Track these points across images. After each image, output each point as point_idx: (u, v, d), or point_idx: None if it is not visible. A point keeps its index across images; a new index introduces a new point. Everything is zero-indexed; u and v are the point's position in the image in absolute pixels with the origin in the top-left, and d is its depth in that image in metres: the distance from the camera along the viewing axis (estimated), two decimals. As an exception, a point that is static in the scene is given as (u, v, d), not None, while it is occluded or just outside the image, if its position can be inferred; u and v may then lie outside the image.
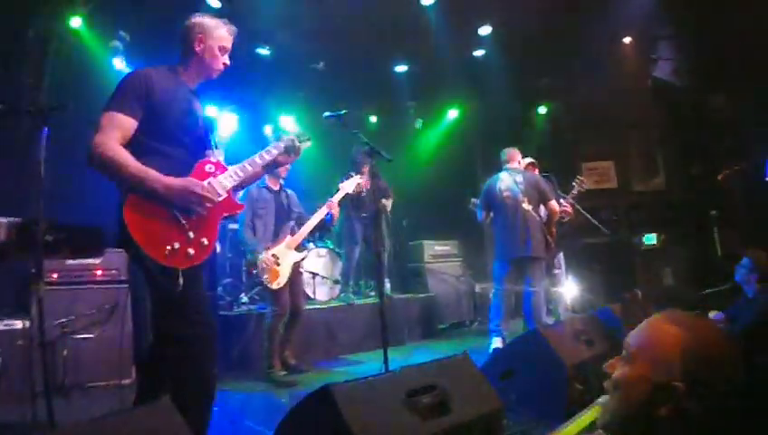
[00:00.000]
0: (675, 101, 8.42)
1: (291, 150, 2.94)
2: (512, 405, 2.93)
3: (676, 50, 8.06)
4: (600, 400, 2.72)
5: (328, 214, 5.13)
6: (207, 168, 2.64)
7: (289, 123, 8.63)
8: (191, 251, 2.45)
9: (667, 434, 1.24)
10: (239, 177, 2.71)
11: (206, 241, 2.52)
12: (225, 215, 2.68)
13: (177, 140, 2.60)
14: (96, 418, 1.65)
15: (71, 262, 4.77)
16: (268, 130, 8.59)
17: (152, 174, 2.38)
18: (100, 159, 2.35)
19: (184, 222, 2.45)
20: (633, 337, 1.37)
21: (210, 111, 7.94)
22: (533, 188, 5.76)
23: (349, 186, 5.26)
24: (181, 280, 2.38)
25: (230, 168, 2.72)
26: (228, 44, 2.78)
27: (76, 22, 5.90)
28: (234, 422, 3.77)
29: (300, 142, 2.97)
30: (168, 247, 2.39)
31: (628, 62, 8.25)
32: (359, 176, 5.40)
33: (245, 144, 7.79)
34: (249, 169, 2.77)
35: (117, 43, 6.22)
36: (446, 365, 2.48)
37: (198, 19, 2.75)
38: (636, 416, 1.29)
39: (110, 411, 1.83)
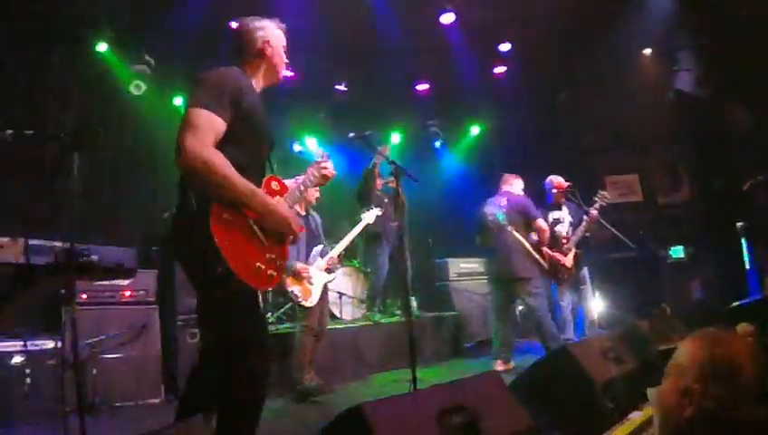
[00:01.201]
0: (697, 112, 8.31)
1: (328, 177, 2.79)
2: (542, 424, 2.89)
3: (696, 60, 7.97)
4: (631, 415, 2.72)
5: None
6: (273, 185, 2.50)
7: (312, 144, 8.73)
8: (273, 273, 2.32)
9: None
10: (296, 198, 2.60)
11: (281, 263, 2.41)
12: None
13: (255, 152, 2.40)
14: None
15: (99, 282, 4.86)
16: (297, 147, 8.70)
17: (257, 190, 2.24)
18: (197, 163, 2.08)
19: (266, 242, 2.30)
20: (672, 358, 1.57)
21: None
22: (516, 211, 5.84)
23: (370, 217, 5.42)
24: (261, 301, 2.35)
25: (289, 186, 2.60)
26: (285, 44, 2.61)
27: (102, 46, 6.05)
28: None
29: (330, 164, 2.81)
30: (255, 268, 2.23)
31: (648, 73, 8.19)
32: (378, 209, 5.49)
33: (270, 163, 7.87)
34: (303, 189, 2.65)
35: (143, 67, 6.35)
36: (476, 384, 2.46)
37: (257, 21, 2.55)
38: (672, 423, 1.48)
39: (144, 431, 1.85)
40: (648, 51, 8.07)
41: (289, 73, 7.24)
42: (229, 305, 2.21)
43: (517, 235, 5.71)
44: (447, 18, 6.84)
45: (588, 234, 6.26)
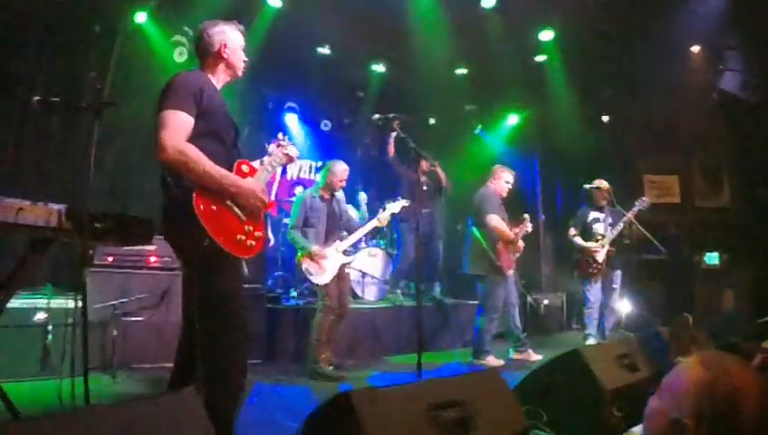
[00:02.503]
0: (741, 115, 7.95)
1: (291, 157, 3.10)
2: (543, 426, 2.83)
3: (744, 61, 7.59)
4: (634, 429, 2.60)
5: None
6: (243, 168, 2.81)
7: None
8: (252, 243, 2.68)
9: None
10: (265, 178, 2.92)
11: (259, 234, 2.75)
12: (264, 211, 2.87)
13: (221, 141, 2.73)
14: (122, 401, 1.70)
15: (127, 248, 4.98)
16: (324, 126, 8.74)
17: (227, 173, 2.59)
18: (176, 156, 2.46)
19: (243, 217, 2.65)
20: (668, 374, 1.44)
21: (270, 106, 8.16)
22: (473, 205, 5.93)
23: (395, 207, 5.42)
24: (246, 270, 2.52)
25: (258, 168, 2.91)
26: (243, 44, 2.92)
27: (141, 17, 6.11)
28: (265, 415, 3.82)
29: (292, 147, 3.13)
30: (236, 239, 2.60)
31: (695, 72, 7.86)
32: (405, 200, 5.47)
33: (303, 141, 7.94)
34: (270, 170, 2.96)
35: (181, 38, 6.40)
36: (475, 380, 2.42)
37: (217, 26, 2.83)
38: None
39: (137, 397, 1.89)
40: (696, 48, 7.72)
41: (326, 51, 7.41)
42: (218, 270, 2.56)
43: (475, 231, 5.85)
44: (488, 2, 6.70)
45: (626, 236, 6.25)
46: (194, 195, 2.47)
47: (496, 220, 5.74)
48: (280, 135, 3.16)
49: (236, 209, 2.63)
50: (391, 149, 6.96)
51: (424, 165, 6.81)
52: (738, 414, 1.21)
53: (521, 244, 5.90)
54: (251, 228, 2.68)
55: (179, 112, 2.53)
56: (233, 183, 2.59)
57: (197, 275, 2.57)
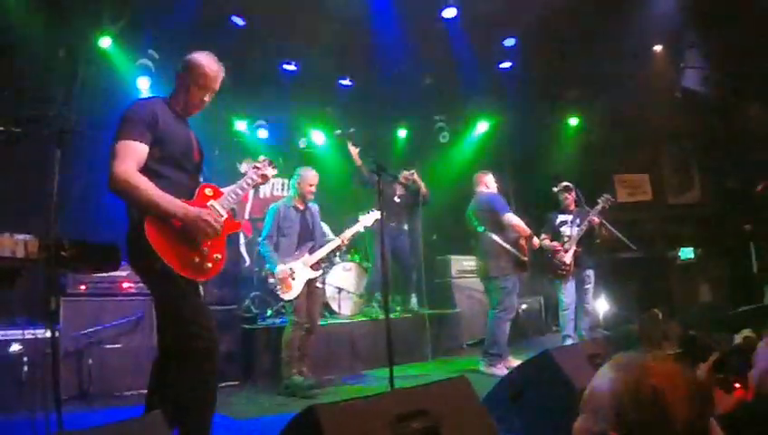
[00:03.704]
0: (706, 111, 8.14)
1: (265, 176, 3.19)
2: (515, 431, 2.86)
3: (704, 58, 7.79)
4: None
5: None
6: (207, 191, 2.87)
7: (319, 138, 8.74)
8: (209, 265, 2.71)
9: None
10: (233, 199, 2.94)
11: (219, 256, 2.78)
12: (228, 233, 2.91)
13: (180, 166, 2.79)
14: (92, 428, 1.72)
15: (98, 274, 4.95)
16: (302, 143, 8.73)
17: (173, 200, 2.61)
18: (123, 185, 2.54)
19: (197, 240, 2.67)
20: (588, 387, 1.27)
21: (240, 126, 8.16)
22: (482, 210, 5.88)
23: (368, 220, 5.46)
24: (202, 291, 2.65)
25: (225, 191, 2.95)
26: (217, 88, 2.95)
27: (106, 42, 6.09)
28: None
29: (271, 168, 3.22)
30: (190, 261, 2.63)
31: (658, 71, 8.03)
32: (377, 212, 5.45)
33: (276, 158, 7.90)
34: (240, 192, 2.99)
35: (146, 62, 6.40)
36: (442, 389, 2.43)
37: (204, 61, 2.85)
38: None
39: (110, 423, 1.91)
40: (658, 48, 7.90)
41: (292, 68, 7.45)
42: (172, 295, 2.62)
43: (492, 236, 5.74)
44: (449, 13, 6.77)
45: (596, 235, 6.29)
46: (145, 221, 2.53)
47: (516, 218, 5.76)
48: (261, 157, 3.23)
49: (189, 233, 2.65)
50: (357, 160, 6.94)
51: (404, 176, 6.87)
52: (667, 414, 1.10)
53: (536, 240, 5.96)
54: (207, 250, 2.70)
55: (129, 142, 2.59)
56: (177, 209, 2.60)
57: (155, 297, 2.70)
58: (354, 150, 6.88)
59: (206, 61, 2.85)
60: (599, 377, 1.23)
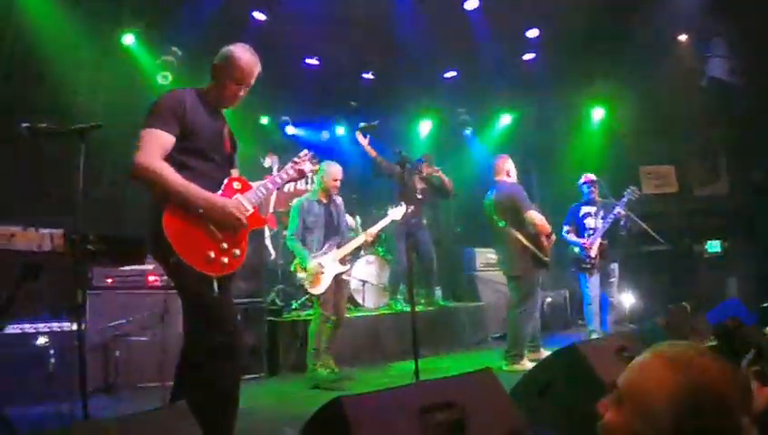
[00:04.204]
0: (731, 101, 7.92)
1: (302, 172, 3.17)
2: (542, 425, 2.82)
3: (729, 47, 7.59)
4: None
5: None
6: (235, 184, 2.82)
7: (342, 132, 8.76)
8: (225, 260, 2.63)
9: None
10: (263, 194, 2.90)
11: (238, 252, 2.70)
12: (253, 228, 2.84)
13: (208, 158, 2.76)
14: (119, 417, 1.74)
15: (125, 268, 5.02)
16: (325, 135, 8.74)
17: (197, 189, 2.56)
18: (145, 172, 2.50)
19: (219, 234, 2.62)
20: (624, 377, 1.17)
21: (264, 121, 8.20)
22: (503, 203, 5.51)
23: (396, 214, 5.45)
24: (216, 287, 2.56)
25: (254, 185, 2.89)
26: (252, 82, 2.90)
27: (129, 39, 6.17)
28: (268, 428, 3.85)
29: (311, 163, 3.22)
30: (205, 256, 2.56)
31: (684, 61, 7.87)
32: (404, 206, 5.45)
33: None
34: (270, 187, 2.96)
35: (169, 59, 6.45)
36: (468, 381, 2.40)
37: (240, 54, 2.78)
38: None
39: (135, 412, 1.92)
40: (683, 37, 7.73)
41: (315, 62, 7.45)
42: (187, 289, 2.61)
43: (513, 232, 5.45)
44: (471, 4, 6.73)
45: (620, 229, 6.20)
46: (163, 213, 2.50)
47: (539, 215, 5.45)
48: (304, 151, 3.22)
49: (211, 226, 2.61)
50: (371, 151, 6.91)
51: (425, 169, 6.85)
52: (730, 419, 1.03)
53: (553, 236, 5.71)
54: (227, 246, 2.65)
55: (154, 131, 2.57)
56: (201, 199, 2.56)
57: (176, 287, 2.67)
58: (364, 141, 6.84)
59: (243, 54, 2.79)
60: (644, 371, 1.13)
